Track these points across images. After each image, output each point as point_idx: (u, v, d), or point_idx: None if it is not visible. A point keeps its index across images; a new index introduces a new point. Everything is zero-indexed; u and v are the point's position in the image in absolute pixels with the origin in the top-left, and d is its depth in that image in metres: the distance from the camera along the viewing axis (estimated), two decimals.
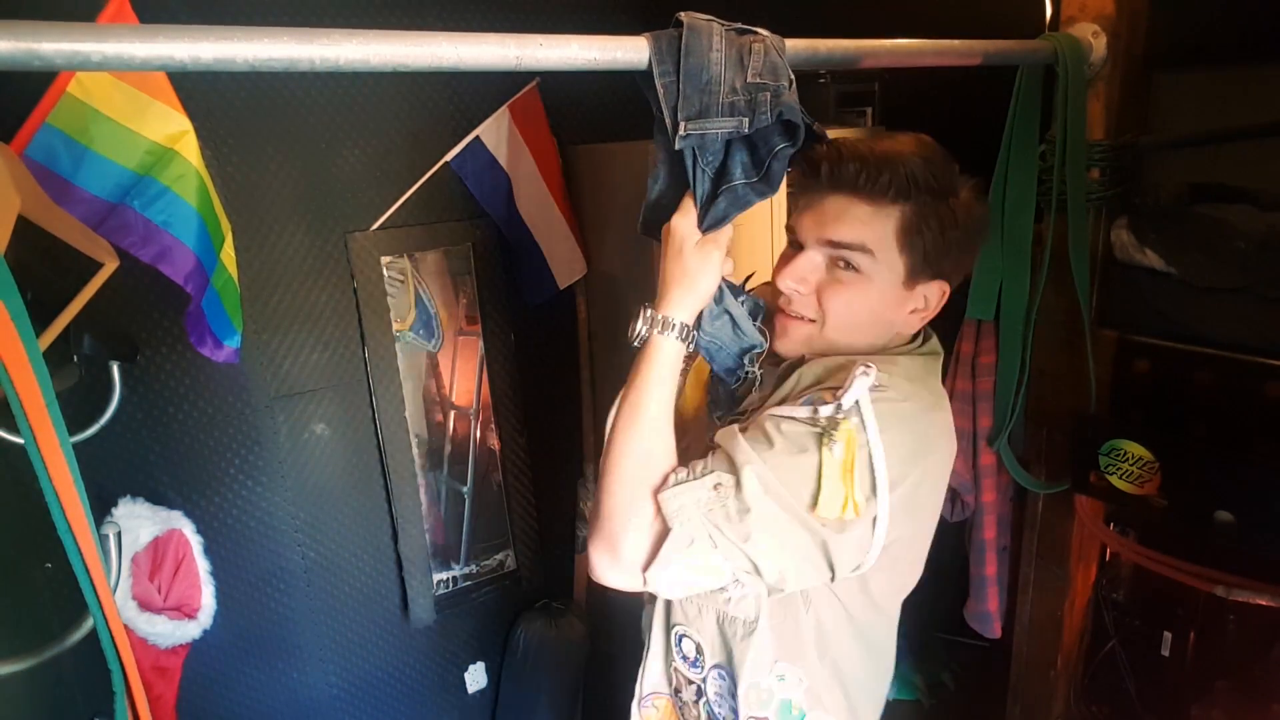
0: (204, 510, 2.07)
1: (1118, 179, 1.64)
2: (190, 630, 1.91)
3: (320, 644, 2.34)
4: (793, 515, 0.88)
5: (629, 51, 0.94)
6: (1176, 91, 1.64)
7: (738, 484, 0.87)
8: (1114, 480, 1.64)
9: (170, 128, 1.59)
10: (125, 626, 1.08)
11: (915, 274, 0.97)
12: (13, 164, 1.30)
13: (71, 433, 0.94)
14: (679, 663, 1.09)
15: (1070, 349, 1.71)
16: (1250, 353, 1.54)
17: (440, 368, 2.46)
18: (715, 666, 1.05)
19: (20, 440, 0.88)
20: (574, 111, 2.43)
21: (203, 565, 1.94)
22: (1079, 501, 1.78)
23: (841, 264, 0.96)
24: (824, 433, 0.88)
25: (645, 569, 0.90)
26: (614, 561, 0.92)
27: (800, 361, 1.03)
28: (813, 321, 0.99)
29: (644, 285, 2.28)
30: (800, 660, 1.03)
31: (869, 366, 0.91)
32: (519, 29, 0.90)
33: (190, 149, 1.62)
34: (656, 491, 0.90)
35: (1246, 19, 1.58)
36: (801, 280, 0.97)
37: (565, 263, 2.43)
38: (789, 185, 1.05)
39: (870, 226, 0.93)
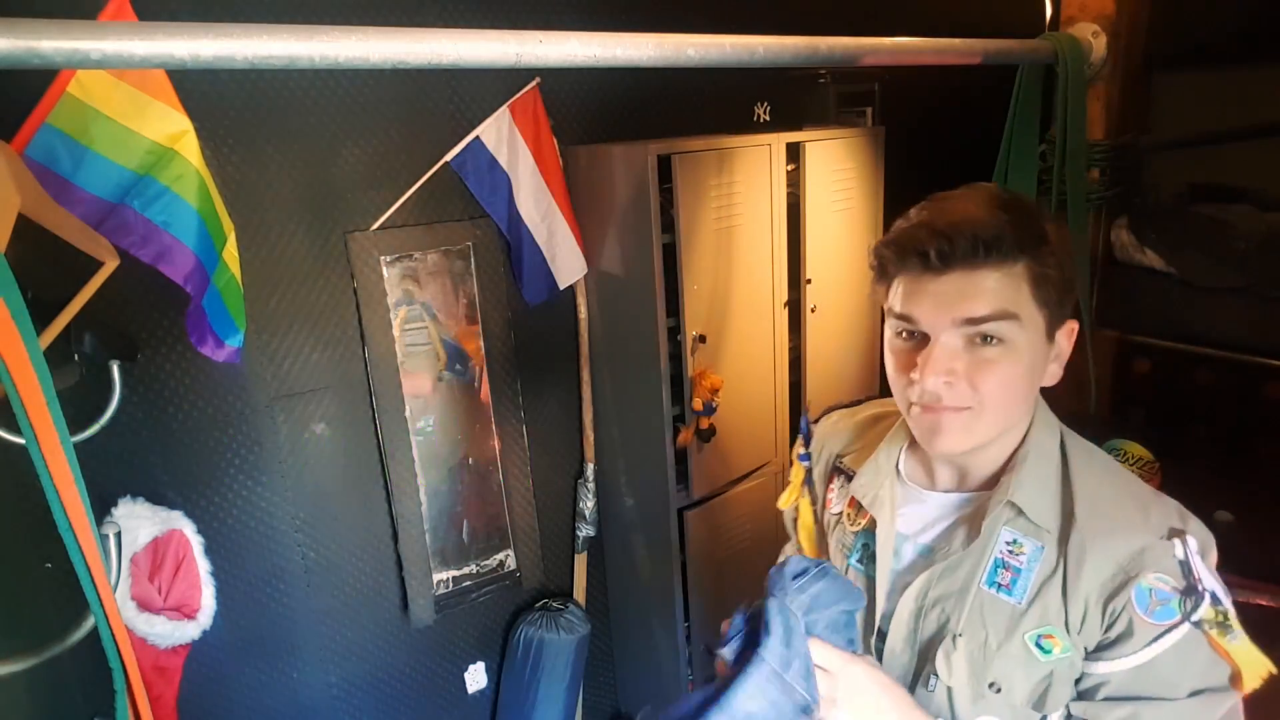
0: (204, 510, 2.07)
1: (1118, 179, 1.64)
2: (189, 630, 1.91)
3: (320, 644, 2.34)
4: None
5: (629, 48, 0.94)
6: (1176, 91, 1.64)
7: None
8: None
9: (170, 127, 1.59)
10: (124, 626, 1.08)
11: (1053, 324, 0.90)
12: (13, 162, 1.30)
13: (72, 432, 0.94)
14: None
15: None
16: (1250, 353, 1.54)
17: None
18: None
19: (21, 440, 0.88)
20: (574, 111, 2.43)
21: (203, 565, 1.94)
22: None
23: (983, 339, 0.86)
24: (1220, 627, 0.84)
25: None
26: None
27: (986, 494, 0.94)
28: (968, 409, 0.88)
29: (644, 285, 2.28)
30: None
31: (1183, 531, 0.86)
32: (519, 27, 0.90)
33: (190, 149, 1.62)
34: None
35: (1246, 19, 1.58)
36: (949, 372, 0.86)
37: (565, 263, 2.44)
38: (877, 268, 0.94)
39: (1006, 292, 0.85)
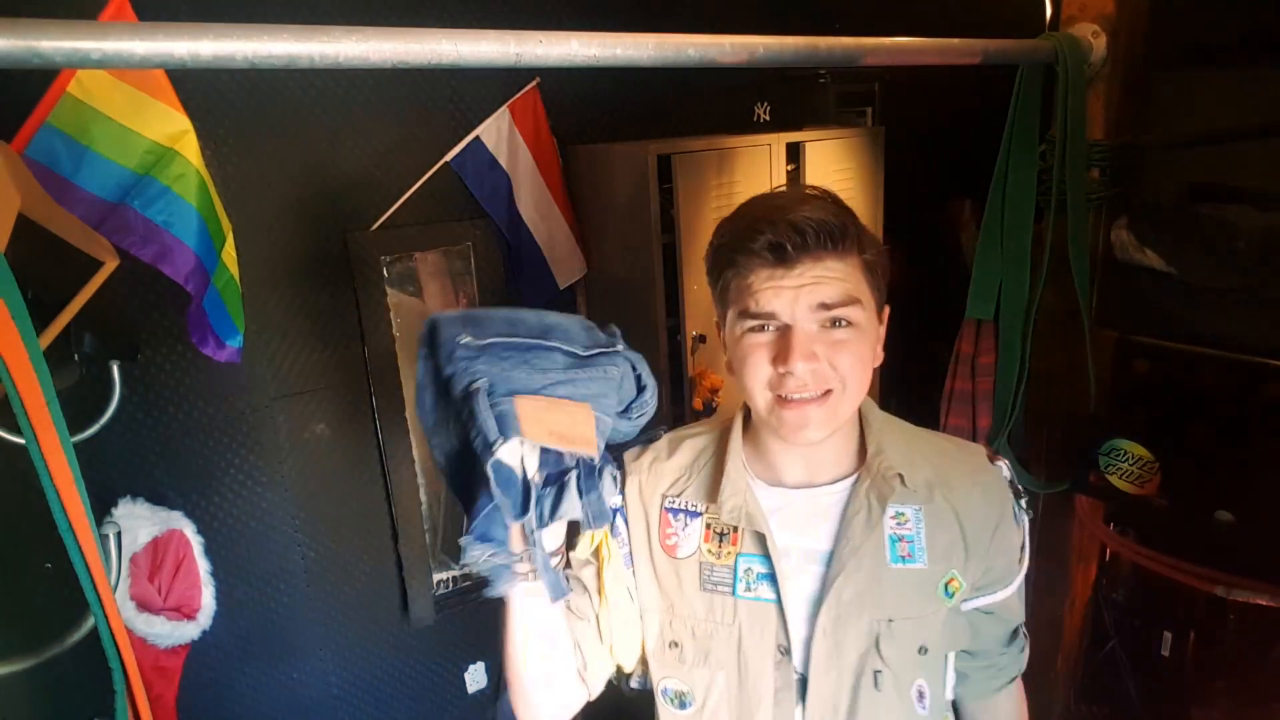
0: (204, 510, 2.07)
1: (1118, 179, 1.64)
2: (189, 631, 1.91)
3: (320, 644, 2.34)
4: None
5: (629, 48, 0.94)
6: (1176, 91, 1.64)
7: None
8: (1114, 480, 1.64)
9: (170, 127, 1.59)
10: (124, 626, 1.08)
11: (879, 306, 0.98)
12: (13, 162, 1.30)
13: (71, 432, 0.94)
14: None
15: (1070, 349, 1.71)
16: (1250, 353, 1.54)
17: None
18: None
19: (21, 440, 0.88)
20: (574, 111, 2.43)
21: (203, 566, 1.94)
22: (1079, 501, 1.78)
23: (833, 323, 0.91)
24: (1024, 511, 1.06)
25: None
26: None
27: (860, 477, 0.99)
28: (830, 391, 0.92)
29: (644, 285, 2.29)
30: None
31: (996, 457, 1.05)
32: (519, 27, 0.90)
33: (190, 149, 1.62)
34: None
35: (1246, 19, 1.58)
36: (811, 355, 0.90)
37: (565, 263, 2.44)
38: (717, 272, 0.97)
39: (850, 278, 0.91)
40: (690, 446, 1.09)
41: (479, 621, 2.60)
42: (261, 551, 2.19)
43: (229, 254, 1.76)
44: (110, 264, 1.51)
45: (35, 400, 0.86)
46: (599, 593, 1.06)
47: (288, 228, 2.08)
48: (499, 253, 2.40)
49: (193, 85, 1.78)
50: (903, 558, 0.96)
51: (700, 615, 1.01)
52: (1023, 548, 1.04)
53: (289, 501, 2.21)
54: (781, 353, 0.90)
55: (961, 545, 0.98)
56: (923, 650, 0.97)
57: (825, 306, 0.90)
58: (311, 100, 2.05)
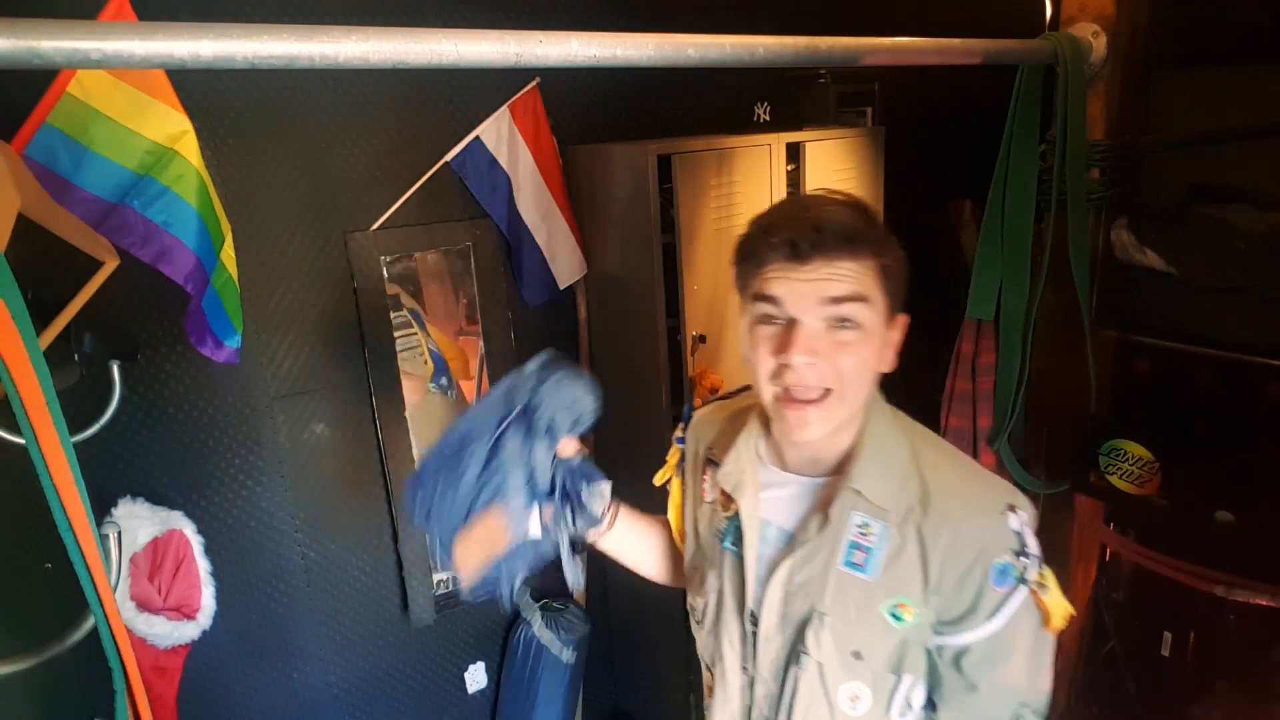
0: (204, 510, 2.07)
1: (1118, 179, 1.65)
2: (189, 631, 1.91)
3: (320, 644, 2.34)
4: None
5: (629, 48, 0.94)
6: (1176, 91, 1.64)
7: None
8: (1114, 480, 1.65)
9: (170, 128, 1.59)
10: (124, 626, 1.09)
11: (892, 312, 1.01)
12: (13, 162, 1.30)
13: (72, 432, 0.94)
14: None
15: (1070, 349, 1.71)
16: (1250, 353, 1.54)
17: None
18: None
19: (21, 440, 0.88)
20: (574, 111, 2.43)
21: (203, 565, 1.94)
22: (1079, 501, 1.78)
23: (840, 323, 0.96)
24: (1037, 588, 1.00)
25: None
26: None
27: (834, 480, 1.05)
28: (829, 391, 0.97)
29: (644, 285, 2.29)
30: None
31: (1014, 505, 1.00)
32: (519, 27, 0.90)
33: (190, 149, 1.62)
34: None
35: (1246, 19, 1.58)
36: (812, 350, 0.95)
37: (565, 263, 2.44)
38: (739, 264, 1.05)
39: (860, 278, 0.95)
40: (738, 412, 1.20)
41: (479, 621, 2.60)
42: (261, 551, 2.19)
43: (228, 254, 1.77)
44: (110, 264, 1.51)
45: (35, 400, 0.86)
46: (668, 512, 1.33)
47: (288, 228, 2.08)
48: (499, 253, 2.40)
49: (193, 86, 1.78)
50: (855, 564, 1.01)
51: (705, 552, 1.17)
52: (998, 610, 0.98)
53: (289, 501, 2.21)
54: (784, 344, 0.96)
55: (920, 576, 0.99)
56: (857, 656, 1.01)
57: (833, 300, 0.94)
58: (311, 100, 2.05)
